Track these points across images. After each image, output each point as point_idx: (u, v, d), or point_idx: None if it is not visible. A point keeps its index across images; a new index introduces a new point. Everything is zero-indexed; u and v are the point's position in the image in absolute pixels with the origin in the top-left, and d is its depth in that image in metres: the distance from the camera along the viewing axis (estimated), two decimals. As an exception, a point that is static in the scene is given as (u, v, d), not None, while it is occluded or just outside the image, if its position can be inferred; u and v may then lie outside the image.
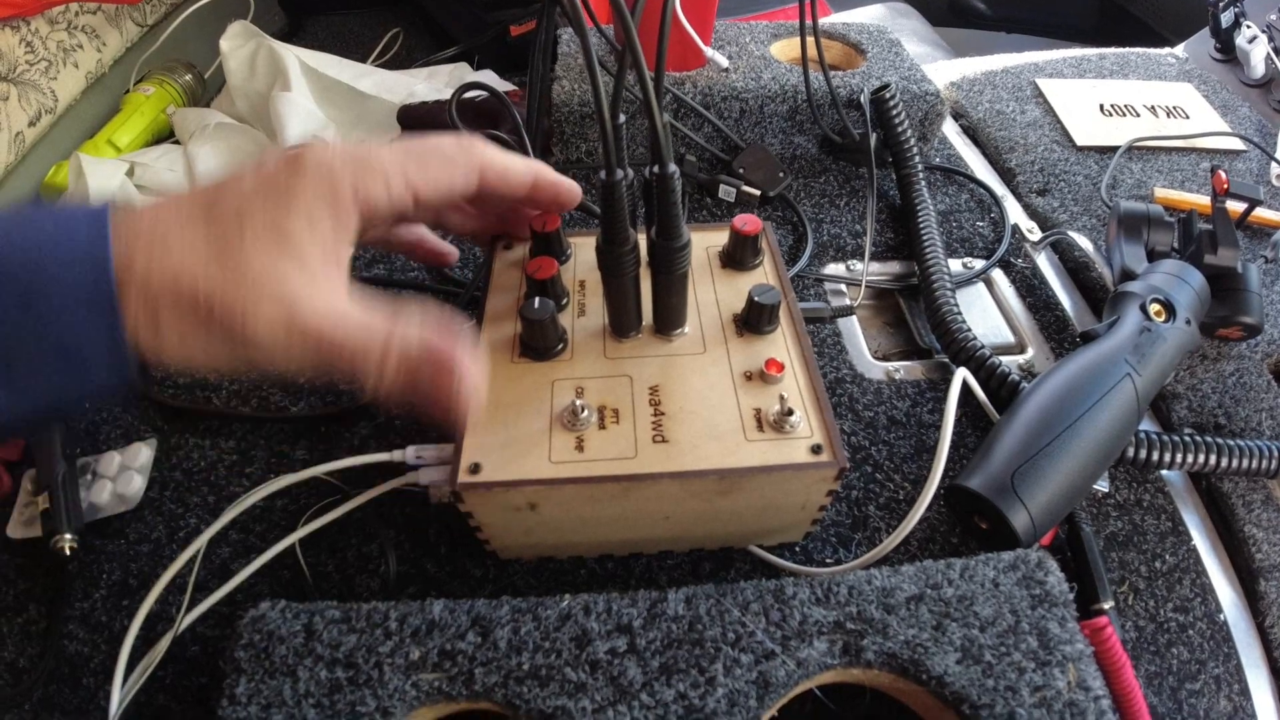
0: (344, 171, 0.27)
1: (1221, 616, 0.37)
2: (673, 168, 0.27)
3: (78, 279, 0.23)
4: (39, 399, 0.24)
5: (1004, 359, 0.43)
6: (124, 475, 0.39)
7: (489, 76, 0.67)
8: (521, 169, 0.32)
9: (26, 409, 0.24)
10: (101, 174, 0.54)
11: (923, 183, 0.54)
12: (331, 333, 0.25)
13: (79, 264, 0.23)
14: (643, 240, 0.31)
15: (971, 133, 0.68)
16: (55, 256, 0.23)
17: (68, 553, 0.35)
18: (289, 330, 0.25)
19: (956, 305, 0.46)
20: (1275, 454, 0.39)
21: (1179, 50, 0.81)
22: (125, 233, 0.24)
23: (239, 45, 0.62)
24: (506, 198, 0.33)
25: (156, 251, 0.24)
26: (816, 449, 0.29)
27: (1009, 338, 0.49)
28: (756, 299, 0.32)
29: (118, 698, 0.31)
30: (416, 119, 0.57)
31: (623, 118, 0.28)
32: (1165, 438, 0.39)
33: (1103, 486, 0.40)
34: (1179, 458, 0.39)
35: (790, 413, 0.29)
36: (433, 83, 0.64)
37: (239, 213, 0.26)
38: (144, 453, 0.40)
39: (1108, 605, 0.35)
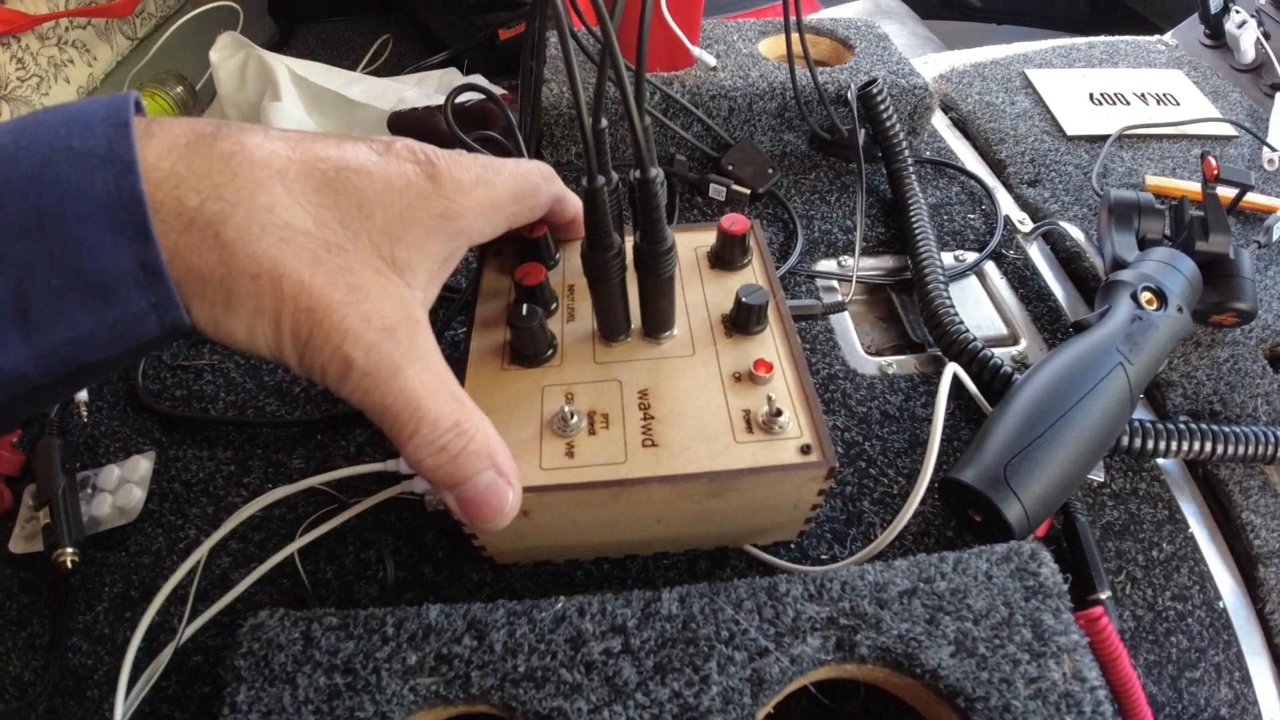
0: (471, 201, 0.25)
1: (1221, 604, 0.37)
2: (655, 172, 0.27)
3: (93, 181, 0.18)
4: (67, 351, 0.19)
5: (997, 351, 0.43)
6: (123, 488, 0.39)
7: (478, 81, 0.67)
8: (576, 202, 0.32)
9: (53, 365, 0.19)
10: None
11: (913, 176, 0.54)
12: (414, 403, 0.22)
13: (94, 162, 0.18)
14: (630, 243, 0.31)
15: (961, 125, 0.68)
16: (68, 146, 0.18)
17: (69, 566, 0.36)
18: (371, 379, 0.21)
19: (949, 298, 0.46)
20: (1271, 439, 0.39)
21: (1168, 37, 0.81)
22: (168, 136, 0.20)
23: (229, 56, 0.62)
24: (551, 225, 0.34)
25: (242, 192, 0.20)
26: (806, 449, 0.29)
27: (1002, 329, 0.49)
28: (744, 300, 0.32)
29: (121, 709, 0.31)
30: (407, 125, 0.57)
31: (605, 122, 0.28)
32: (1160, 426, 0.39)
33: (1098, 476, 0.40)
34: (1174, 445, 0.39)
35: (779, 413, 0.29)
36: (422, 88, 0.64)
37: (361, 205, 0.22)
38: (143, 465, 0.40)
39: (1105, 595, 0.35)
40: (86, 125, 0.19)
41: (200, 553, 0.35)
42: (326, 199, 0.21)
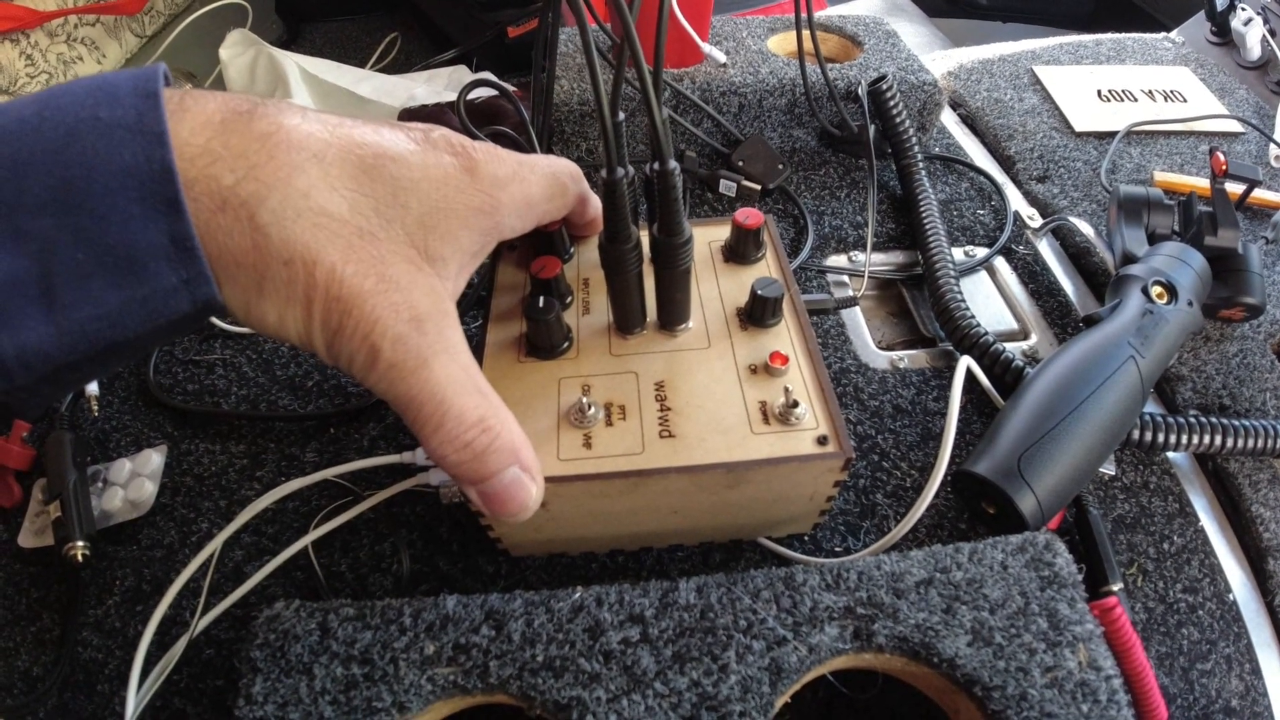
0: (507, 196, 0.24)
1: (1231, 596, 0.37)
2: (673, 164, 0.27)
3: (121, 153, 0.18)
4: (93, 329, 0.18)
5: (1008, 345, 0.43)
6: (135, 482, 0.39)
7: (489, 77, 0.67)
8: (598, 202, 0.32)
9: (79, 344, 0.18)
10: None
11: (923, 172, 0.54)
12: (439, 396, 0.22)
13: (121, 133, 0.18)
14: (645, 237, 0.31)
15: (970, 121, 0.69)
16: (95, 116, 0.18)
17: (80, 560, 0.36)
18: (397, 370, 0.21)
19: (961, 293, 0.46)
20: (1280, 433, 0.39)
21: (1175, 34, 0.81)
22: (201, 112, 0.19)
23: (238, 53, 0.62)
24: (570, 223, 0.34)
25: (279, 175, 0.19)
26: (822, 440, 0.29)
27: (1012, 324, 0.49)
28: (759, 292, 0.32)
29: (133, 702, 0.31)
30: (418, 122, 0.57)
31: (622, 115, 0.28)
32: (1170, 419, 0.39)
33: (1109, 469, 0.40)
34: (1184, 439, 0.39)
35: (795, 405, 0.29)
36: (432, 85, 0.64)
37: (397, 193, 0.21)
38: (154, 459, 0.40)
39: (1116, 587, 0.35)
40: (113, 96, 0.18)
41: (214, 545, 0.35)
42: (362, 185, 0.21)
